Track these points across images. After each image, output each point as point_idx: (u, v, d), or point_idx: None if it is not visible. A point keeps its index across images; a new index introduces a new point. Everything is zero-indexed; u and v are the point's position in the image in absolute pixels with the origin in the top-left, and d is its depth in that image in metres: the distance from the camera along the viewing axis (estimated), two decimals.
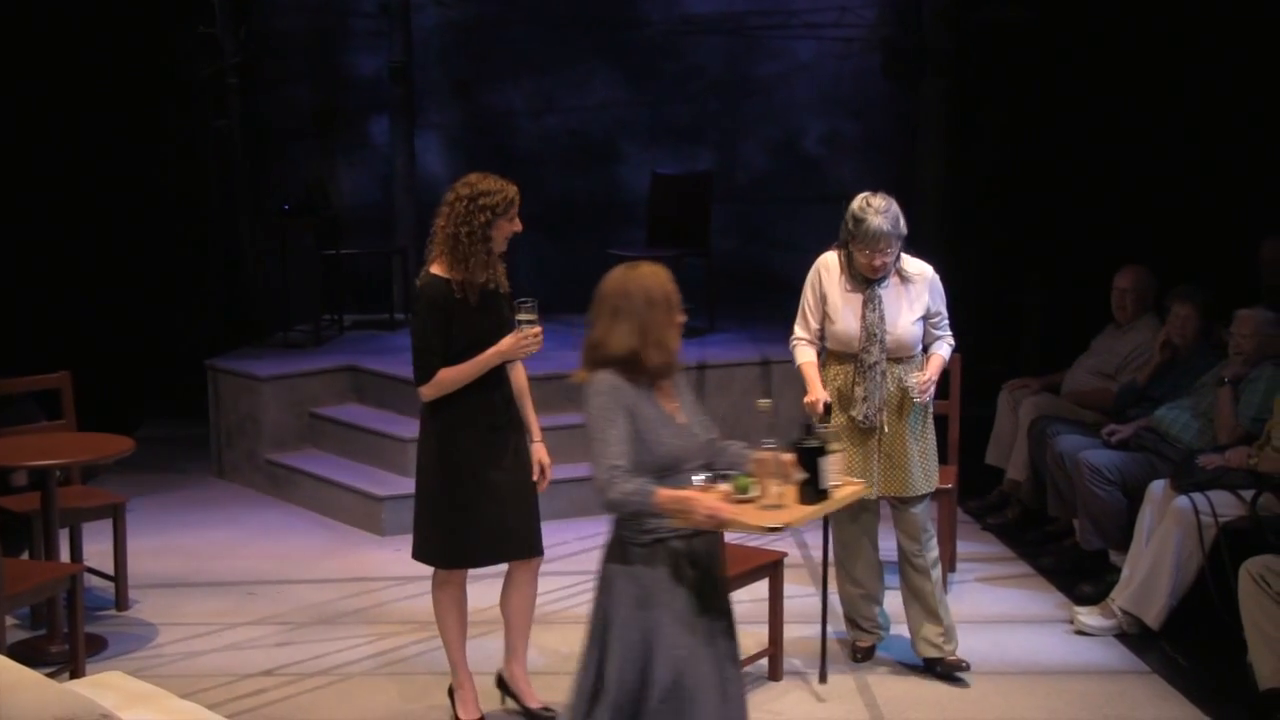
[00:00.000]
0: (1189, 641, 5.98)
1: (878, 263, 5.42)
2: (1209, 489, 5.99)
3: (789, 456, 3.97)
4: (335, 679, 5.81)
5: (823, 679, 5.67)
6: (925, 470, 5.63)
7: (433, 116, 11.36)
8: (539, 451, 5.30)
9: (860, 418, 5.49)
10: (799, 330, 5.66)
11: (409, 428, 8.17)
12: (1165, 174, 9.31)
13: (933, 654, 5.71)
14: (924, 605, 5.70)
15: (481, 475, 5.09)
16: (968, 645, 5.77)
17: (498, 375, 5.16)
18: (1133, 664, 5.87)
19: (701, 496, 3.83)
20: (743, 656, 5.62)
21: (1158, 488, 6.24)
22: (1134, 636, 6.08)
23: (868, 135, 11.07)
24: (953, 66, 10.35)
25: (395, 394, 8.54)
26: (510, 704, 5.40)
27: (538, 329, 5.08)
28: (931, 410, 5.66)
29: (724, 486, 3.96)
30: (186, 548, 7.59)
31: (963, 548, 7.06)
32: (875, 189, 5.55)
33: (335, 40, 11.30)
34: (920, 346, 5.61)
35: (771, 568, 5.69)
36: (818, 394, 5.44)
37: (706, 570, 3.96)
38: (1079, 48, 9.71)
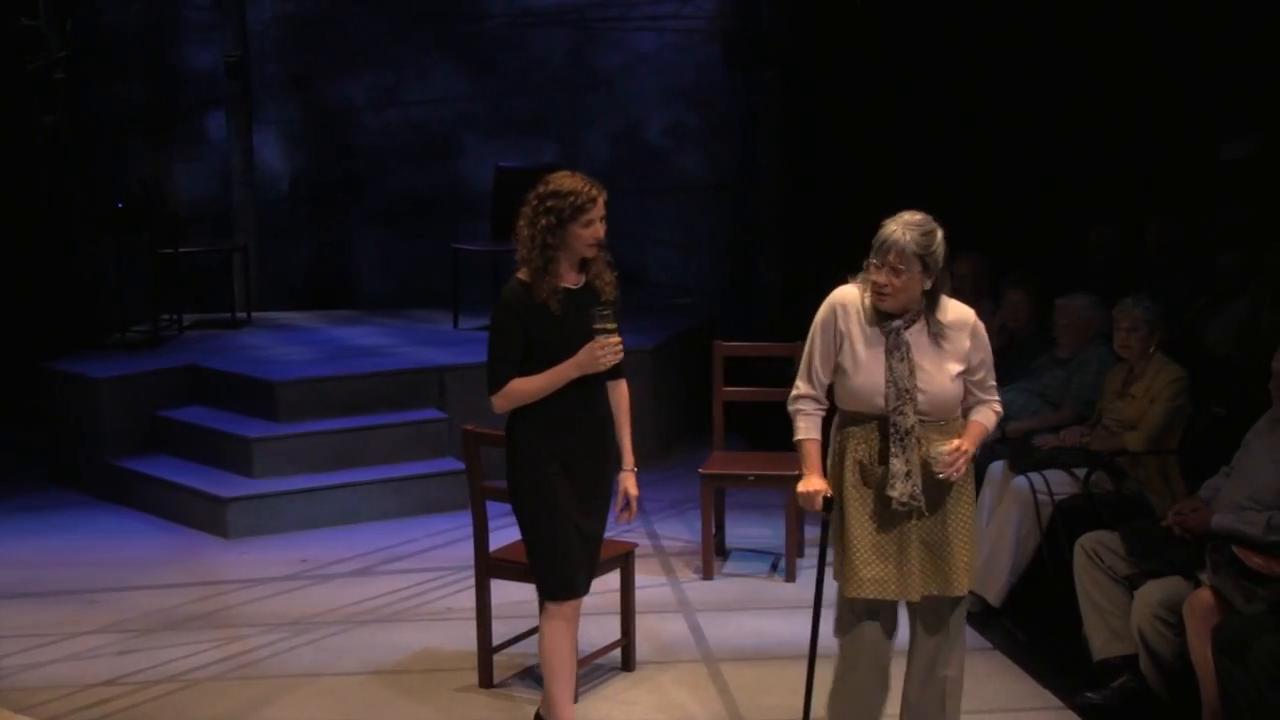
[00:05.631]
0: (1029, 617, 6.15)
1: (882, 279, 4.30)
2: (1045, 468, 6.16)
3: None
4: (181, 685, 5.70)
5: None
6: (968, 563, 4.47)
7: (271, 112, 11.18)
8: (627, 480, 4.85)
9: (902, 498, 4.33)
10: (802, 385, 4.49)
11: (253, 428, 8.06)
12: (999, 162, 9.55)
13: None
14: None
15: (570, 502, 4.70)
16: (820, 629, 5.84)
17: (592, 392, 4.70)
18: (976, 641, 6.00)
19: None
20: (596, 648, 5.68)
21: (996, 469, 6.39)
22: (977, 614, 6.21)
23: (710, 125, 11.15)
24: (791, 56, 10.48)
25: (239, 394, 8.40)
26: None
27: (616, 338, 4.63)
28: (973, 488, 4.54)
29: None
30: (20, 557, 7.36)
31: (811, 532, 7.16)
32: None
33: (167, 34, 11.06)
34: (960, 410, 4.47)
35: (622, 559, 5.71)
36: (816, 483, 4.43)
37: None
38: (916, 37, 9.90)
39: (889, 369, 4.32)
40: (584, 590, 4.84)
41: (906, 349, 4.32)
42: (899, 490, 4.32)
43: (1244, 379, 6.23)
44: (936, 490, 4.37)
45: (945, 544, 4.40)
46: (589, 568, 4.87)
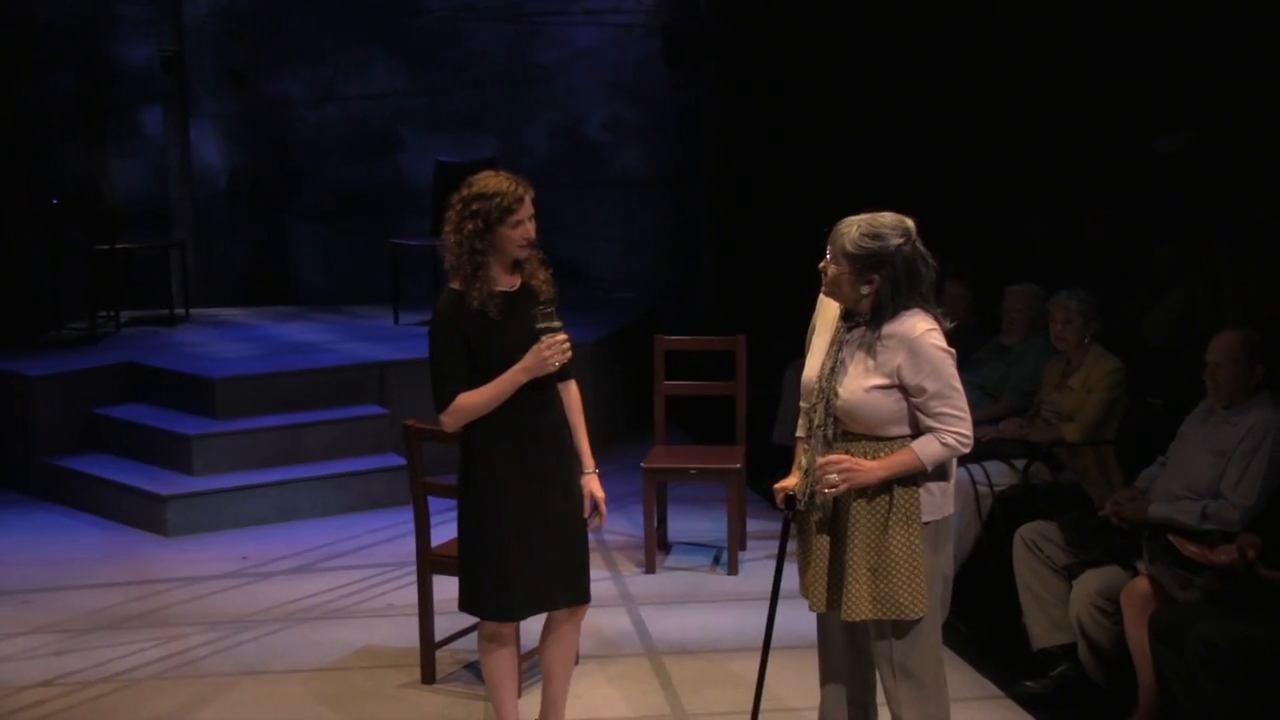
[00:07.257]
0: (969, 608, 6.18)
1: (820, 264, 4.21)
2: (984, 460, 6.21)
3: None
4: (120, 685, 5.65)
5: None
6: (878, 591, 4.11)
7: (208, 106, 11.09)
8: (591, 484, 4.67)
9: (798, 496, 4.22)
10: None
11: (192, 425, 7.99)
12: (938, 158, 9.62)
13: None
14: None
15: (530, 515, 4.51)
16: (762, 623, 5.87)
17: (544, 397, 4.53)
18: None
19: None
20: (539, 642, 5.66)
21: None
22: None
23: (649, 120, 11.17)
24: (730, 51, 10.51)
25: (177, 391, 8.33)
26: None
27: (561, 336, 4.45)
28: (916, 517, 4.12)
29: None
30: None
31: (753, 525, 7.20)
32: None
33: (102, 28, 10.93)
34: (899, 430, 4.12)
35: None
36: (785, 480, 4.32)
37: None
38: (854, 34, 9.95)
39: (821, 365, 4.19)
40: (530, 612, 4.66)
41: (839, 348, 4.16)
42: (798, 487, 4.22)
43: (1179, 370, 6.32)
44: (838, 503, 4.16)
45: (843, 563, 4.15)
46: (562, 582, 4.63)
